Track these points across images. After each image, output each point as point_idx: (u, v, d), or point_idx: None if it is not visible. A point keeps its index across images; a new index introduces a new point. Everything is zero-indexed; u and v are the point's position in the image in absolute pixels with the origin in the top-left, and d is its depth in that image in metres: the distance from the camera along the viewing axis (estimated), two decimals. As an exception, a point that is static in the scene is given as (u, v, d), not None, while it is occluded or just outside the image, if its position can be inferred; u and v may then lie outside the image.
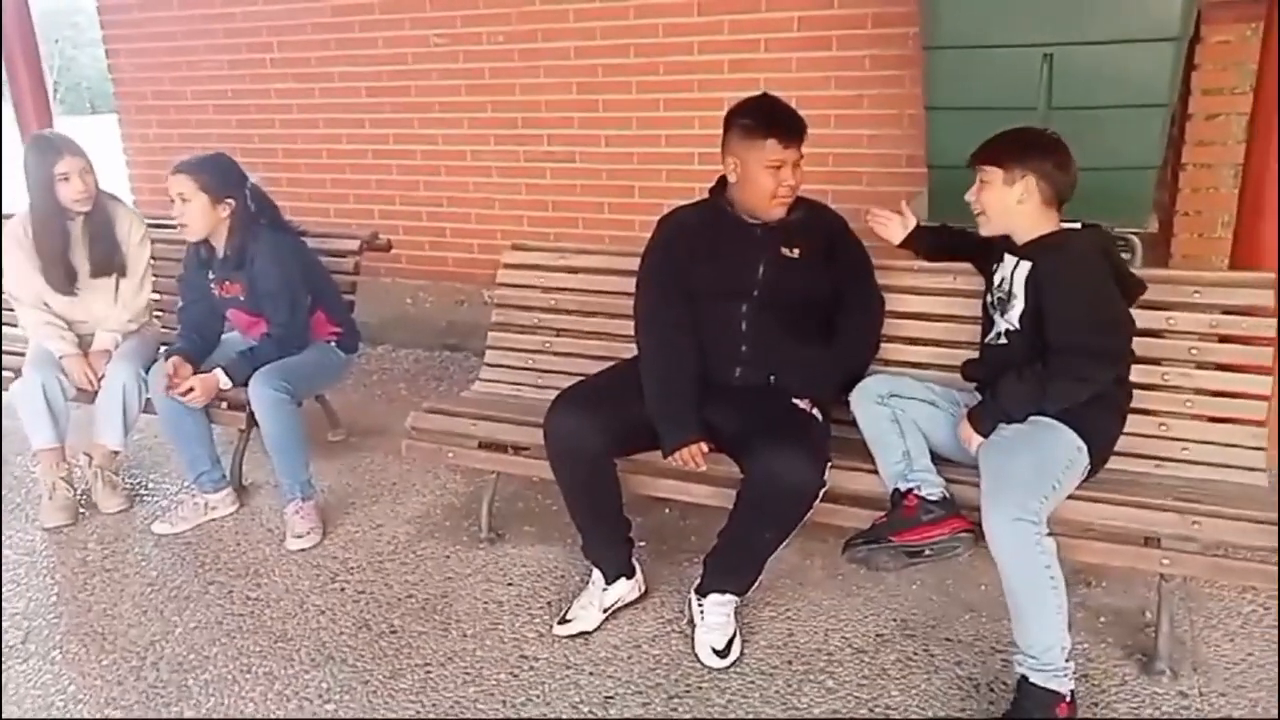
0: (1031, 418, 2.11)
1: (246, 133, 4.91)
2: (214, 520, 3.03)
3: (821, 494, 2.19)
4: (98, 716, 2.19)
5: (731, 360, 2.37)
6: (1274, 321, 2.24)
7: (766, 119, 2.29)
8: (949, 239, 2.52)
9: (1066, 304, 2.08)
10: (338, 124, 4.70)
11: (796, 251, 2.36)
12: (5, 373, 3.34)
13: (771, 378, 2.35)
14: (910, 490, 2.15)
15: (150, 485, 3.33)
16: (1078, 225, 2.19)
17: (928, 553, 2.12)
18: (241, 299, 2.99)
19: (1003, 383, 2.14)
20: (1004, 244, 2.24)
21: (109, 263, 3.15)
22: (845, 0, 3.59)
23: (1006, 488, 1.98)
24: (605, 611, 2.42)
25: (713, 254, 2.38)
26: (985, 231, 2.23)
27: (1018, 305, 2.18)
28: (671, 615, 2.46)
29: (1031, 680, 1.99)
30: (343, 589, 2.65)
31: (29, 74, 5.08)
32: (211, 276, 3.02)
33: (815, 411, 2.30)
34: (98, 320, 3.19)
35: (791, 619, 2.43)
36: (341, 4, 4.48)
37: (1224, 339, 2.28)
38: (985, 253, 2.35)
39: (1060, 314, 2.08)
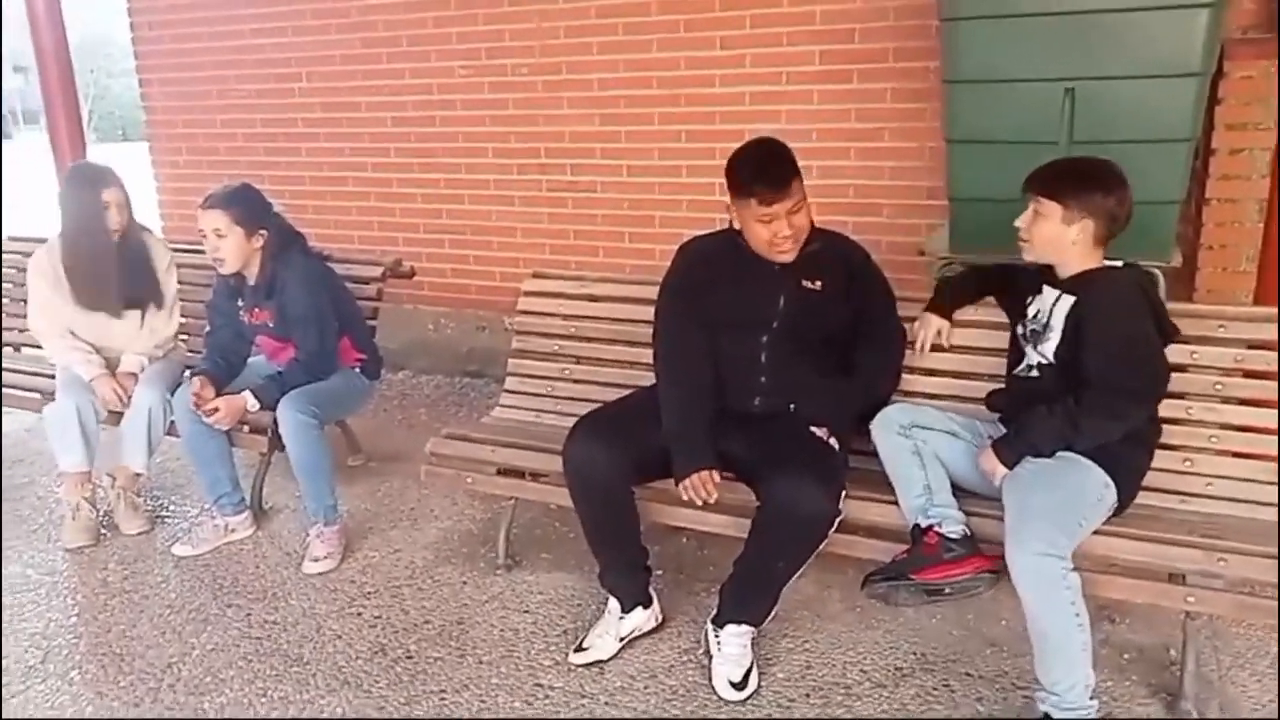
0: (1059, 453, 2.09)
1: (274, 160, 4.99)
2: (232, 543, 3.05)
3: (836, 523, 2.18)
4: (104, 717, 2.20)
5: (751, 390, 2.38)
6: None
7: (750, 175, 2.27)
8: (973, 290, 2.49)
9: (1107, 340, 2.06)
10: (363, 152, 4.77)
11: (818, 284, 2.36)
12: (32, 394, 3.39)
13: (791, 406, 2.35)
14: (931, 527, 2.13)
15: (171, 507, 3.35)
16: (1120, 263, 2.17)
17: (948, 591, 2.10)
18: (271, 325, 3.03)
19: (1032, 416, 2.11)
20: (1042, 276, 2.22)
21: (141, 293, 3.19)
22: (866, 34, 3.61)
23: (1033, 522, 1.96)
24: (621, 641, 2.41)
25: (733, 285, 2.38)
26: (1028, 258, 2.21)
27: (1053, 338, 2.16)
28: (688, 645, 2.44)
29: (1054, 718, 1.96)
30: (359, 614, 2.65)
31: (64, 102, 5.19)
32: (241, 304, 3.06)
33: (833, 441, 2.29)
34: (124, 345, 3.22)
35: (809, 651, 2.41)
36: (370, 36, 4.56)
37: (1248, 374, 2.26)
38: (1014, 285, 2.33)
39: (1100, 350, 2.06)
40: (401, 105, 4.59)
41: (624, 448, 2.28)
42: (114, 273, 3.13)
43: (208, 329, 3.17)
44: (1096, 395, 2.05)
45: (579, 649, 2.40)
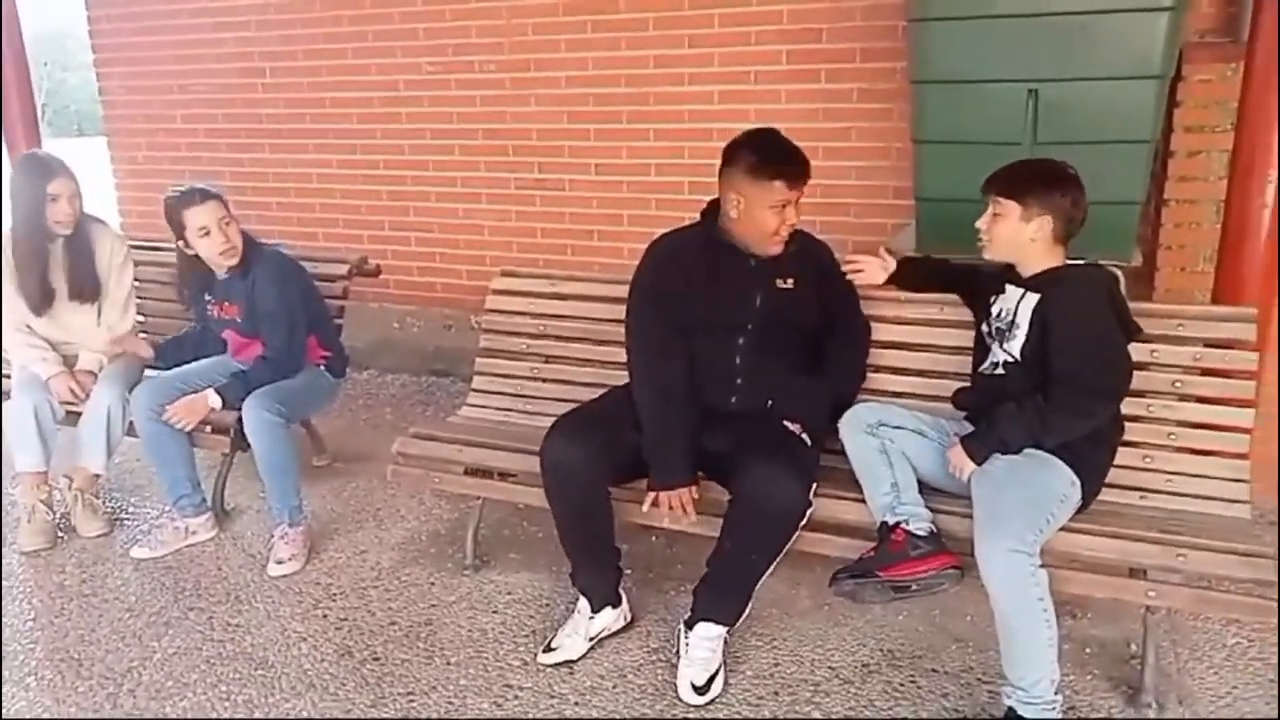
0: (1026, 451, 2.11)
1: (237, 156, 4.91)
2: (194, 545, 3.00)
3: (807, 516, 2.19)
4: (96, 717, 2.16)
5: (727, 390, 2.38)
6: (1255, 355, 2.27)
7: (776, 159, 2.26)
8: (935, 273, 2.53)
9: (1073, 338, 2.08)
10: (328, 149, 4.71)
11: (791, 282, 2.37)
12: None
13: (769, 402, 2.36)
14: (898, 524, 2.15)
15: (131, 509, 3.29)
16: (1082, 261, 2.19)
17: (915, 588, 2.12)
18: (239, 320, 2.99)
19: (1001, 413, 2.13)
20: (1005, 274, 2.25)
21: (86, 288, 3.13)
22: (834, 34, 3.64)
23: (1002, 520, 1.98)
24: (591, 640, 2.40)
25: (708, 285, 2.36)
26: (988, 257, 2.24)
27: (1019, 336, 2.18)
28: (657, 644, 2.44)
29: (1020, 713, 1.98)
30: (325, 615, 2.62)
31: (19, 96, 5.07)
32: (210, 298, 3.01)
33: (805, 435, 2.30)
34: (81, 341, 3.16)
35: (778, 648, 2.42)
36: (335, 31, 4.50)
37: (1206, 372, 2.30)
38: (977, 284, 2.36)
39: (1066, 349, 2.08)
40: (367, 101, 4.55)
41: (601, 448, 2.27)
42: (52, 268, 3.07)
43: (192, 327, 3.14)
44: (1064, 393, 2.08)
45: (548, 649, 2.39)
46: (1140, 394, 2.29)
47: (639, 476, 2.33)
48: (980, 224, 2.20)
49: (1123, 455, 2.27)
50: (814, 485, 2.22)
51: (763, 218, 2.28)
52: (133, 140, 5.21)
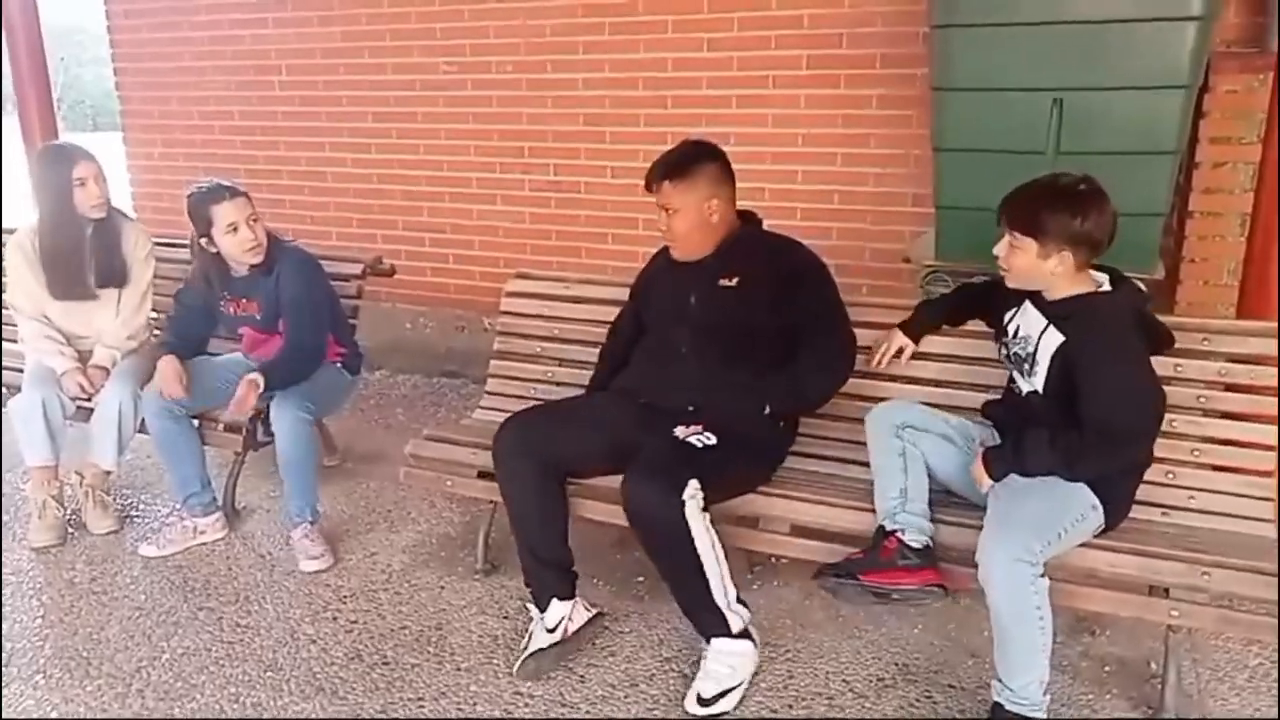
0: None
1: (251, 154, 4.91)
2: (203, 544, 2.99)
3: (696, 520, 2.12)
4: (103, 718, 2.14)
5: (673, 388, 2.41)
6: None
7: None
8: (958, 310, 2.46)
9: (1101, 387, 1.99)
10: (343, 148, 4.70)
11: (735, 281, 2.39)
12: (4, 389, 3.31)
13: (690, 407, 2.36)
14: (894, 532, 2.14)
15: (141, 506, 3.28)
16: (1107, 284, 2.09)
17: (894, 597, 2.12)
18: (258, 317, 2.98)
19: (1031, 440, 2.06)
20: (1025, 292, 2.16)
21: (114, 273, 3.13)
22: (854, 40, 3.61)
23: (1011, 528, 1.96)
24: (551, 632, 2.34)
25: (659, 284, 2.56)
26: (1011, 285, 2.16)
27: (1040, 373, 2.11)
28: (670, 654, 2.41)
29: (1007, 709, 1.99)
30: (335, 618, 2.60)
31: (36, 91, 5.09)
32: (227, 294, 3.00)
33: (699, 439, 2.26)
34: (98, 334, 3.16)
35: (791, 660, 2.39)
36: (352, 30, 4.49)
37: (1230, 388, 2.26)
38: (994, 299, 2.29)
39: (1095, 397, 1.99)
40: (383, 100, 4.53)
41: (547, 442, 2.34)
42: (86, 257, 3.07)
43: (170, 315, 3.10)
44: (1096, 438, 2.00)
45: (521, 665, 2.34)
46: (1164, 409, 2.26)
47: (598, 474, 2.38)
48: (998, 251, 2.11)
49: (1147, 471, 2.24)
50: (692, 487, 2.12)
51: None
52: (148, 137, 5.22)
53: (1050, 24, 2.46)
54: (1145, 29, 2.39)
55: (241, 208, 2.85)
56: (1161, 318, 2.24)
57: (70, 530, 3.07)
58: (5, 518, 3.19)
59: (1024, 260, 2.06)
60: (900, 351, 2.47)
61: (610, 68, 4.05)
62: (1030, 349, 2.14)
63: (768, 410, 2.36)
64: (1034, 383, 2.14)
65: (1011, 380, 2.27)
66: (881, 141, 3.66)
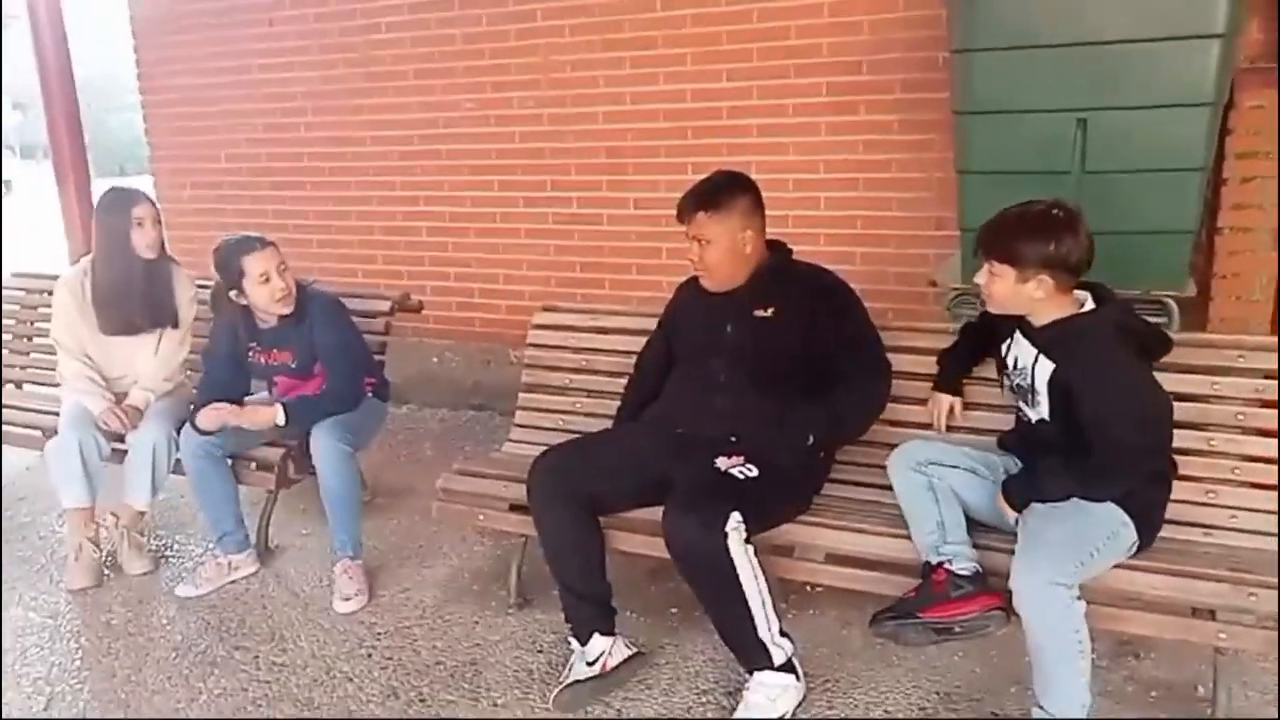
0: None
1: (279, 194, 4.99)
2: (237, 582, 3.00)
3: (742, 553, 2.11)
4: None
5: (707, 419, 2.40)
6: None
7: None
8: (971, 354, 2.44)
9: (1103, 406, 1.99)
10: (369, 185, 4.77)
11: (771, 311, 2.39)
12: (33, 431, 3.36)
13: (733, 438, 2.34)
14: (941, 564, 2.11)
15: (176, 547, 3.30)
16: (1089, 299, 2.08)
17: (957, 630, 2.09)
18: (292, 365, 3.00)
19: (1045, 470, 2.08)
20: (1015, 320, 2.17)
21: (164, 313, 3.19)
22: (874, 66, 3.63)
23: (1043, 550, 1.95)
24: (592, 665, 2.33)
25: (691, 315, 2.56)
26: (994, 311, 2.18)
27: (1042, 403, 2.12)
28: (707, 685, 2.39)
29: None
30: (370, 655, 2.60)
31: (70, 138, 5.21)
32: (256, 345, 3.03)
33: (741, 471, 2.25)
34: (136, 375, 3.19)
35: (830, 690, 2.36)
36: (376, 70, 4.57)
37: (1266, 404, 2.23)
38: (998, 333, 2.28)
39: (1099, 418, 2.00)
40: (408, 139, 4.60)
41: (582, 476, 2.35)
42: (139, 295, 3.12)
43: (200, 381, 3.10)
44: (1108, 459, 2.01)
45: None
46: (1202, 427, 2.24)
47: (633, 507, 2.38)
48: (979, 279, 2.13)
49: (1186, 490, 2.21)
50: (733, 520, 2.11)
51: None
52: (177, 180, 5.32)
53: (1071, 45, 2.47)
54: (1167, 48, 2.39)
55: (271, 257, 2.88)
56: (1198, 335, 2.23)
57: (106, 572, 3.09)
58: (42, 560, 3.23)
59: (1003, 287, 2.08)
60: (952, 410, 2.44)
61: (630, 100, 4.10)
62: (1028, 379, 2.14)
63: (811, 441, 2.34)
64: (1040, 411, 2.14)
65: (1019, 410, 2.26)
66: (903, 166, 3.67)
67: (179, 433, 3.01)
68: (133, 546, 3.11)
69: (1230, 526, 2.21)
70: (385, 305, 3.35)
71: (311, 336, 2.94)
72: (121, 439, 3.10)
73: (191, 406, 3.03)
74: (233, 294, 2.93)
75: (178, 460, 3.03)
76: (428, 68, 4.47)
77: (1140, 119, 2.47)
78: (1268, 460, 2.21)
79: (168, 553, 3.25)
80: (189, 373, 3.33)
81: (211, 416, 2.89)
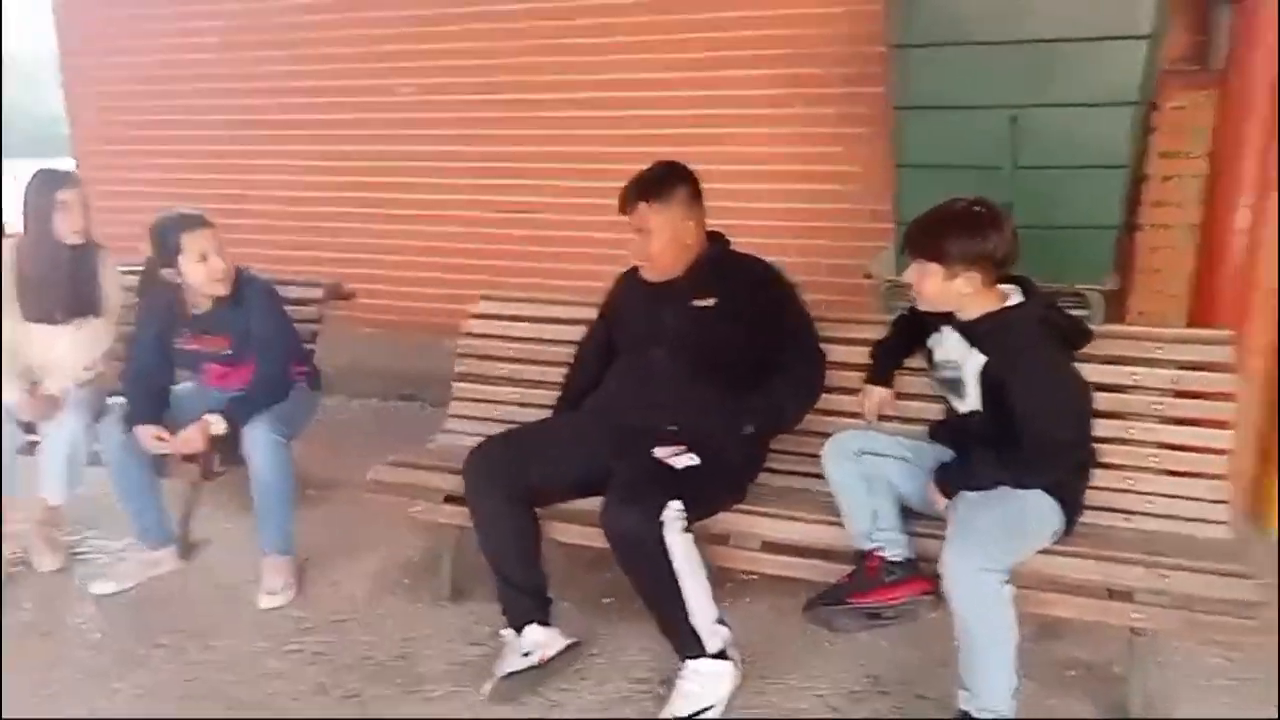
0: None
1: (212, 178, 4.83)
2: (159, 578, 2.90)
3: (677, 542, 2.12)
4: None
5: (648, 408, 2.39)
6: (1232, 377, 2.29)
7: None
8: (903, 347, 2.47)
9: (1033, 401, 2.05)
10: (299, 170, 4.66)
11: (711, 300, 2.40)
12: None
13: (673, 427, 2.35)
14: (873, 551, 2.15)
15: (90, 542, 3.17)
16: (1017, 293, 2.13)
17: (888, 615, 2.13)
18: (228, 352, 2.90)
19: (979, 459, 2.12)
20: (943, 315, 2.21)
21: (86, 302, 3.05)
22: (811, 60, 3.66)
23: (973, 538, 1.99)
24: (526, 655, 2.32)
25: (630, 306, 2.56)
26: (924, 309, 2.22)
27: (972, 394, 2.17)
28: (642, 675, 2.39)
29: (974, 717, 2.00)
30: (299, 650, 2.54)
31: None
32: (186, 331, 2.92)
33: (681, 460, 2.26)
34: (55, 363, 3.05)
35: (763, 676, 2.37)
36: (307, 54, 4.46)
37: (1181, 394, 2.31)
38: (925, 328, 2.32)
39: (1030, 412, 2.05)
40: (340, 124, 4.50)
41: (518, 465, 2.33)
42: (61, 282, 2.99)
43: (132, 366, 2.98)
44: (1038, 452, 2.06)
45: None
46: (1121, 416, 2.31)
47: (572, 497, 2.36)
48: (907, 278, 2.17)
49: (1105, 478, 2.28)
50: (671, 509, 2.12)
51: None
52: (104, 162, 5.11)
53: (1004, 43, 2.53)
54: (1096, 47, 2.47)
55: (212, 237, 2.78)
56: (1119, 327, 2.29)
57: (17, 568, 2.95)
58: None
59: (932, 284, 2.12)
60: (883, 402, 2.47)
61: (569, 89, 4.07)
62: (958, 373, 2.19)
63: (749, 430, 2.35)
64: (970, 403, 2.20)
65: (948, 402, 2.30)
66: (839, 160, 3.72)
67: (98, 423, 2.89)
68: (44, 541, 2.98)
69: (1148, 512, 2.28)
70: (317, 293, 3.27)
71: (248, 323, 2.85)
72: (35, 429, 2.97)
73: (114, 397, 2.91)
74: (167, 272, 2.81)
75: (95, 452, 2.91)
76: (369, 51, 4.36)
77: (1069, 116, 2.55)
78: (1183, 449, 2.29)
79: (82, 549, 3.13)
80: (111, 361, 3.20)
81: (153, 445, 2.78)
